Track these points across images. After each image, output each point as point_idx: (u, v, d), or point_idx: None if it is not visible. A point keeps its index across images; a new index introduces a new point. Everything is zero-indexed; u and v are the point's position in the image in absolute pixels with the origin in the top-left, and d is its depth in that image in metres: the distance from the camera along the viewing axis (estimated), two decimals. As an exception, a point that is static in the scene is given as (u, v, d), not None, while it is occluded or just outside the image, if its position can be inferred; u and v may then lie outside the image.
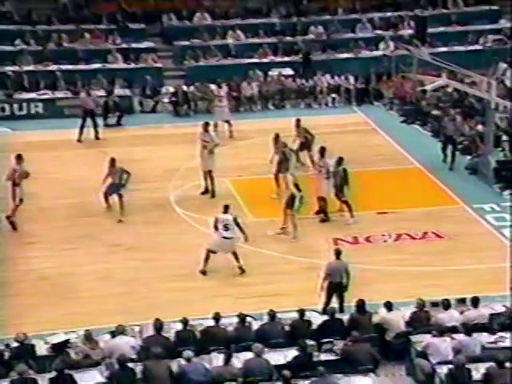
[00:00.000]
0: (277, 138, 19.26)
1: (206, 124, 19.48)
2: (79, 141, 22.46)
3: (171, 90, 25.46)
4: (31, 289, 15.04)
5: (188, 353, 11.69)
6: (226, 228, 15.51)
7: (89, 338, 12.35)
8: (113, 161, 17.97)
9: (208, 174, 18.95)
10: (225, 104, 23.22)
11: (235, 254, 15.55)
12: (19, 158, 17.61)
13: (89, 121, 22.62)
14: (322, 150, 17.91)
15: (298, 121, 20.34)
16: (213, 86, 24.97)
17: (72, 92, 25.02)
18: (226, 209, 15.76)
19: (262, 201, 18.64)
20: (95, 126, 22.69)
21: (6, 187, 17.37)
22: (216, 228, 15.59)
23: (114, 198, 17.83)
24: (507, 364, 11.37)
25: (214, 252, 15.60)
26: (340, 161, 17.65)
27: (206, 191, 19.04)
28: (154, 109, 25.37)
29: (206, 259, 15.54)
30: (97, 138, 22.71)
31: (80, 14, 28.38)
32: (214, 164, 18.94)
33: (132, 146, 22.11)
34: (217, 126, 22.03)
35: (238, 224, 15.65)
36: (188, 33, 28.05)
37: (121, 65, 26.68)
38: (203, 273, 15.50)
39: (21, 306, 14.37)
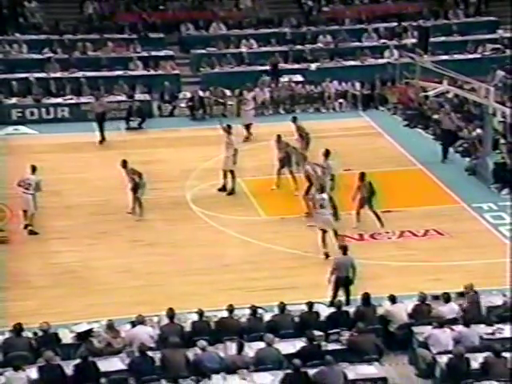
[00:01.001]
0: (279, 138, 19.25)
1: (229, 127, 19.30)
2: (101, 142, 22.45)
3: (188, 95, 25.50)
4: (57, 281, 15.10)
5: (202, 342, 11.69)
6: (322, 206, 15.78)
7: (111, 327, 12.38)
8: (124, 162, 17.73)
9: (230, 173, 18.90)
10: (250, 107, 22.95)
11: (335, 232, 15.90)
12: (34, 169, 17.17)
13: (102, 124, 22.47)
14: (327, 153, 17.83)
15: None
16: (227, 92, 25.05)
17: (95, 97, 25.07)
18: (322, 189, 16.23)
19: (274, 200, 18.63)
20: (101, 129, 22.56)
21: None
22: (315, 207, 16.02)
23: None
24: (504, 354, 11.32)
25: (325, 231, 15.76)
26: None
27: (223, 189, 18.98)
28: (171, 113, 25.37)
29: (324, 240, 15.70)
30: (101, 140, 22.45)
31: (103, 24, 28.46)
32: (235, 165, 18.84)
33: (152, 147, 22.14)
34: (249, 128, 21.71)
35: (333, 202, 16.25)
36: (204, 42, 28.06)
37: (141, 71, 26.71)
38: (326, 255, 15.47)
39: (48, 297, 14.44)
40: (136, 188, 17.57)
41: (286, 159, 18.91)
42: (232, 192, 18.90)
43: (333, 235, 15.94)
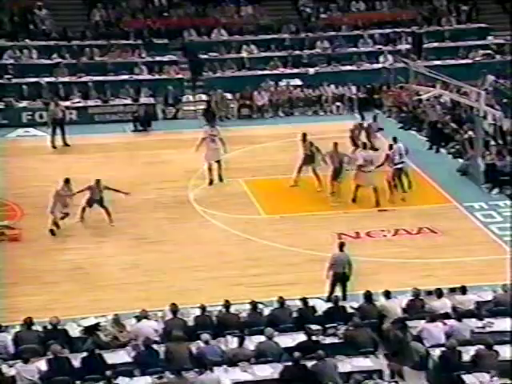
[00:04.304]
0: (304, 137, 19.28)
1: (213, 117, 19.58)
2: (54, 147, 22.15)
3: (190, 98, 25.54)
4: (66, 277, 15.10)
5: (206, 336, 11.70)
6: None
7: (117, 321, 12.38)
8: (98, 181, 17.30)
9: (217, 164, 19.27)
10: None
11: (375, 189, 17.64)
12: (67, 182, 16.99)
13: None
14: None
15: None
16: (228, 95, 25.05)
17: (102, 100, 25.11)
18: (365, 146, 18.31)
19: (273, 199, 18.63)
20: (63, 133, 22.36)
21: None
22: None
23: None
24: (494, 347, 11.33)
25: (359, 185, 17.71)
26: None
27: (211, 182, 19.27)
28: (175, 116, 25.39)
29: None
30: (65, 144, 22.32)
31: (110, 30, 28.41)
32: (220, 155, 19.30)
33: (157, 149, 22.13)
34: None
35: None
36: (206, 47, 28.02)
37: (146, 76, 26.67)
38: (354, 200, 17.81)
39: (57, 293, 14.45)
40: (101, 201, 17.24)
41: (308, 158, 18.96)
42: (221, 179, 19.25)
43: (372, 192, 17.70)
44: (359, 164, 18.13)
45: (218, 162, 19.45)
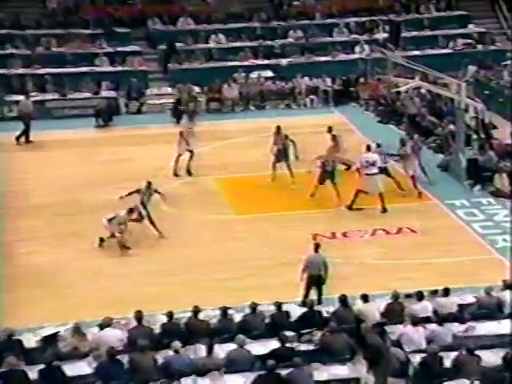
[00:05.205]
0: (278, 129, 19.31)
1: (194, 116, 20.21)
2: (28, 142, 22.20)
3: (155, 91, 25.43)
4: (23, 283, 14.92)
5: (176, 344, 11.64)
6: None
7: (77, 330, 12.27)
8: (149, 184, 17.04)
9: (190, 154, 19.62)
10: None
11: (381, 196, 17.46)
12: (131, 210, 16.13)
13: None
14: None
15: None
16: (196, 88, 25.05)
17: (60, 94, 24.90)
18: (369, 149, 17.88)
19: (245, 198, 18.64)
20: (28, 129, 22.28)
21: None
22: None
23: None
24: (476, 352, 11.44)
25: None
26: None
27: (176, 174, 19.66)
28: (139, 110, 25.28)
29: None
30: (28, 141, 22.27)
31: (68, 18, 28.20)
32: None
33: (120, 145, 22.05)
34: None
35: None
36: (172, 37, 27.95)
37: (107, 68, 26.55)
38: (350, 207, 17.62)
39: (12, 300, 14.26)
40: None
41: (281, 153, 18.97)
42: (189, 173, 19.64)
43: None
44: (357, 167, 17.86)
45: (191, 152, 19.59)
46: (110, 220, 16.14)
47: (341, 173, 18.70)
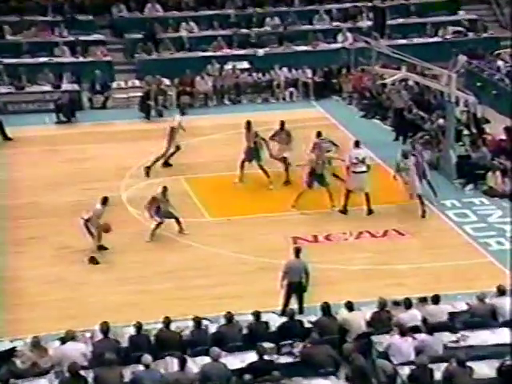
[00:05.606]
0: (249, 125, 19.25)
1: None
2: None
3: (122, 84, 25.44)
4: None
5: (147, 358, 11.60)
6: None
7: (36, 345, 12.19)
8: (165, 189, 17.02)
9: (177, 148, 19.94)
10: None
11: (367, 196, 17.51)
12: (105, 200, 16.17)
13: None
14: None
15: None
16: (166, 81, 25.04)
17: (16, 87, 24.75)
18: (357, 145, 18.09)
19: (219, 200, 18.65)
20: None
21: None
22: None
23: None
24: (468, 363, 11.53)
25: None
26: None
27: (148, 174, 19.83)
28: (104, 105, 25.21)
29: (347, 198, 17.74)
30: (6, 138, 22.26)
31: (24, 4, 28.05)
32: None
33: (83, 143, 21.99)
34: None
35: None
36: (139, 25, 27.93)
37: (68, 58, 26.48)
38: (344, 211, 17.75)
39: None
40: None
41: (251, 151, 18.96)
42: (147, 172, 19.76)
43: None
44: (347, 165, 17.92)
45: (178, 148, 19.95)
46: (87, 220, 16.01)
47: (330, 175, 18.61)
